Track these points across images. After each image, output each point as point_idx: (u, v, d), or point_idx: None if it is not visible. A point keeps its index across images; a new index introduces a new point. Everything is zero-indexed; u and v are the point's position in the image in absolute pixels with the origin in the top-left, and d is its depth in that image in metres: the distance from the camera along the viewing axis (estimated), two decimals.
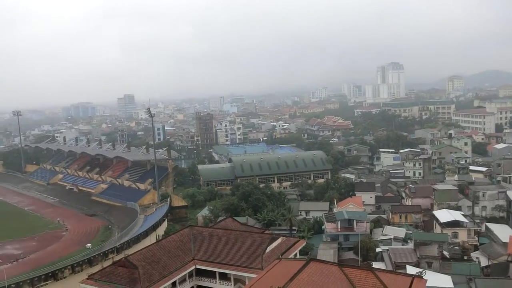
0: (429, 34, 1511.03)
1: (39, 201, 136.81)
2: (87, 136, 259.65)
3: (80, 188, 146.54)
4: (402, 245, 76.38)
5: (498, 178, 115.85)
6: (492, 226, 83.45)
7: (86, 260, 74.27)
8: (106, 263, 69.48)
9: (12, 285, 64.17)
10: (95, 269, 65.49)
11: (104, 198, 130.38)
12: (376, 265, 64.95)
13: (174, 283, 52.90)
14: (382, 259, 70.71)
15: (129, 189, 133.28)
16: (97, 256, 75.91)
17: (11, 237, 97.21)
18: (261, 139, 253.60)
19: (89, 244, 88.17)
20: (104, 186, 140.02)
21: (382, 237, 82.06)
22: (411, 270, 55.53)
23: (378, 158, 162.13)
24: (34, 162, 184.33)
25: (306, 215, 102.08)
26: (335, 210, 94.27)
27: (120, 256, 70.04)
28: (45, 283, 67.83)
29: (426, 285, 39.36)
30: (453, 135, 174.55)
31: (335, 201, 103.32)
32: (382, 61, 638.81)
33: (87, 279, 51.91)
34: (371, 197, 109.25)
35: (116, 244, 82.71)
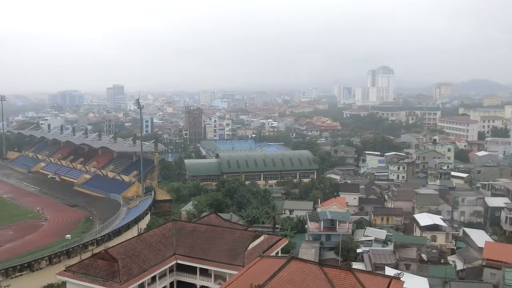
0: (420, 41, 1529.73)
1: (19, 189, 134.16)
2: (73, 125, 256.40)
3: (63, 177, 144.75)
4: (383, 246, 77.08)
5: (478, 185, 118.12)
6: (469, 231, 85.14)
7: (64, 252, 73.42)
8: (85, 255, 68.73)
9: None
10: (74, 261, 65.02)
11: (87, 188, 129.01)
12: (356, 265, 65.21)
13: (154, 278, 52.74)
14: (362, 260, 71.39)
15: (113, 180, 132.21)
16: (76, 248, 75.14)
17: None
18: (250, 136, 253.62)
19: (68, 235, 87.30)
20: (88, 176, 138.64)
21: (363, 238, 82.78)
22: (389, 271, 56.06)
23: (364, 160, 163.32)
24: (16, 149, 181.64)
25: (290, 214, 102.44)
26: (318, 210, 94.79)
27: (100, 248, 69.43)
28: (20, 273, 66.79)
29: (403, 286, 39.83)
30: (437, 140, 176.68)
31: (319, 201, 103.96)
32: (372, 65, 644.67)
33: (64, 270, 51.34)
34: (354, 198, 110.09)
35: (96, 236, 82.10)
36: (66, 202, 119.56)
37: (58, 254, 72.46)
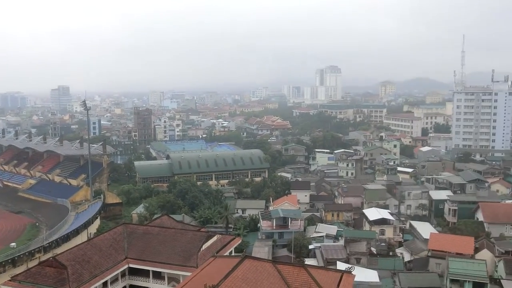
0: (365, 41, 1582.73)
1: None
2: (16, 128, 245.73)
3: (6, 183, 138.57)
4: (334, 242, 79.01)
5: (422, 179, 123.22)
6: (416, 224, 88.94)
7: (9, 261, 70.33)
8: (32, 263, 66.20)
9: None
10: (20, 270, 62.31)
11: (32, 194, 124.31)
12: (308, 261, 66.87)
13: (105, 283, 51.54)
14: (314, 256, 72.91)
15: (60, 185, 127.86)
16: (22, 256, 72.14)
17: None
18: (200, 137, 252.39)
19: (13, 243, 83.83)
20: (33, 181, 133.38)
21: (315, 235, 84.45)
22: (341, 266, 57.74)
23: (314, 158, 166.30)
24: None
25: (243, 213, 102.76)
26: (270, 208, 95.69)
27: (48, 255, 67.19)
28: None
29: (354, 280, 41.13)
30: (384, 137, 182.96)
31: (271, 199, 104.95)
32: (320, 65, 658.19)
33: (10, 280, 49.23)
34: (306, 195, 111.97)
35: (43, 243, 79.19)
36: (10, 209, 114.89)
37: (3, 263, 69.28)
